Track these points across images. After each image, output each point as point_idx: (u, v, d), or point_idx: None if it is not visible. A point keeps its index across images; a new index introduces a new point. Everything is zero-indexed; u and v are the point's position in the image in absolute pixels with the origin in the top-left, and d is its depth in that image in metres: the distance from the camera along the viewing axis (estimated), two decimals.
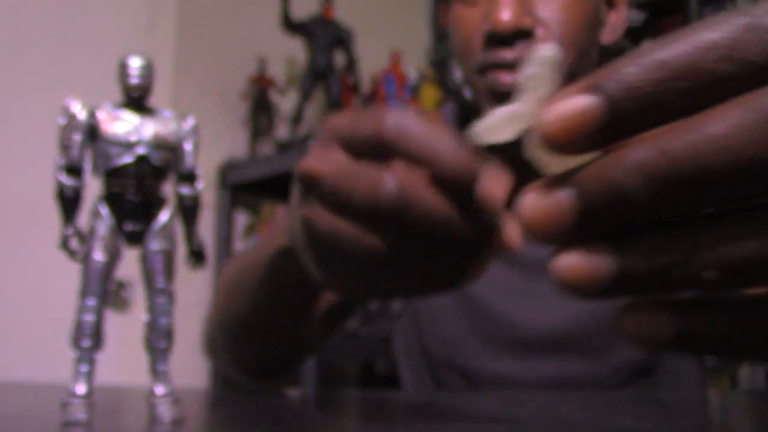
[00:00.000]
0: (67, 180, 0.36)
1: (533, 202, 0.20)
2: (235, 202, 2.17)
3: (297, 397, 0.53)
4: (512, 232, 0.32)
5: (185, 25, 2.09)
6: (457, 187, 0.31)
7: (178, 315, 0.38)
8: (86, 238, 0.36)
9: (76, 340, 0.36)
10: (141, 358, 0.39)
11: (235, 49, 2.18)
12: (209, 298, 2.07)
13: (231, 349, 0.65)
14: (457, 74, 0.73)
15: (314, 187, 0.32)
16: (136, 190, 0.36)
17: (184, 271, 0.39)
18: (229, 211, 2.14)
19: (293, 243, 0.40)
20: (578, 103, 0.19)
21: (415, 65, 2.24)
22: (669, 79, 0.18)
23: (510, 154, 0.34)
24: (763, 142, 0.18)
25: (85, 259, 0.36)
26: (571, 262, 0.20)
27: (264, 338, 0.60)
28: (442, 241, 0.32)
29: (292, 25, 2.00)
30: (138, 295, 1.86)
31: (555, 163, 0.20)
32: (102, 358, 0.37)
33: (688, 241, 0.19)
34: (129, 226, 0.37)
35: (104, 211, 0.36)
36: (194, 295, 2.01)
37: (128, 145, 0.36)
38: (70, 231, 0.36)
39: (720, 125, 0.18)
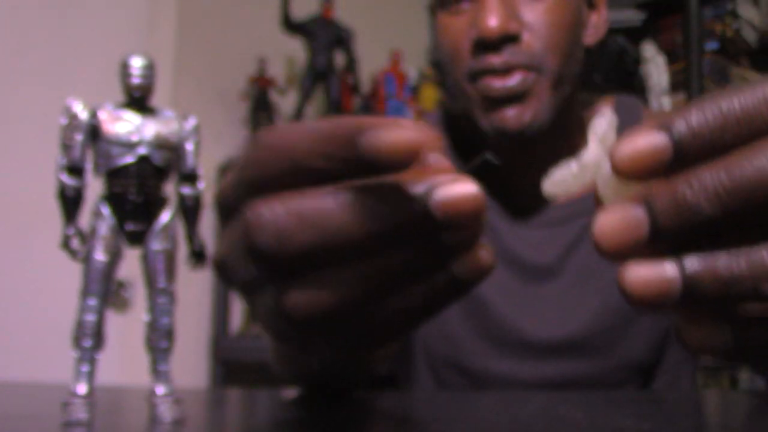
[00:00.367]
0: (68, 180, 0.36)
1: (609, 218, 0.23)
2: None
3: (296, 397, 0.53)
4: (484, 251, 0.26)
5: (185, 25, 2.09)
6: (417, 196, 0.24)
7: (179, 315, 0.38)
8: (87, 238, 0.36)
9: (77, 340, 0.36)
10: (142, 358, 0.39)
11: (235, 49, 2.18)
12: (210, 298, 2.07)
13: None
14: (449, 82, 0.74)
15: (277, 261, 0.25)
16: (138, 190, 0.36)
17: (185, 271, 0.40)
18: None
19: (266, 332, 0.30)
20: (650, 140, 0.23)
21: (415, 65, 2.25)
22: (729, 125, 0.22)
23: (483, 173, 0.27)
24: None
25: (87, 259, 0.36)
26: (642, 274, 0.22)
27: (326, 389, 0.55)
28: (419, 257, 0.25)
29: (292, 25, 2.00)
30: (139, 295, 1.86)
31: (616, 195, 0.24)
32: (103, 358, 0.37)
33: (751, 256, 0.22)
34: (130, 226, 0.37)
35: (106, 211, 0.36)
36: (195, 295, 2.01)
37: (130, 145, 0.36)
38: (72, 231, 0.36)
39: None
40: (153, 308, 0.37)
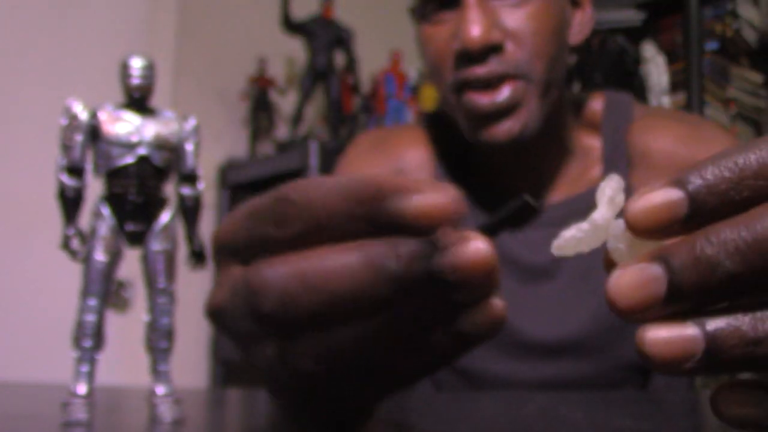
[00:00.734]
0: (68, 180, 0.36)
1: (625, 277, 0.22)
2: (235, 201, 2.17)
3: None
4: (497, 303, 0.24)
5: (185, 25, 2.09)
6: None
7: (179, 315, 0.38)
8: (87, 239, 0.36)
9: (77, 340, 0.36)
10: (142, 358, 0.39)
11: (235, 49, 2.18)
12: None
13: None
14: (437, 91, 0.73)
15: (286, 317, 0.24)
16: (138, 191, 0.37)
17: (185, 271, 0.40)
18: (229, 210, 2.14)
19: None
20: (665, 195, 0.22)
21: (415, 65, 2.24)
22: (744, 179, 0.22)
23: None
24: None
25: (87, 260, 0.36)
26: (662, 335, 0.21)
27: None
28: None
29: (292, 25, 2.00)
30: (139, 295, 1.86)
31: (629, 255, 0.23)
32: (103, 358, 0.37)
33: None
34: (130, 227, 0.37)
35: (105, 211, 0.36)
36: (195, 295, 2.01)
37: (130, 146, 0.36)
38: (72, 231, 0.36)
39: None
40: (153, 308, 0.37)
